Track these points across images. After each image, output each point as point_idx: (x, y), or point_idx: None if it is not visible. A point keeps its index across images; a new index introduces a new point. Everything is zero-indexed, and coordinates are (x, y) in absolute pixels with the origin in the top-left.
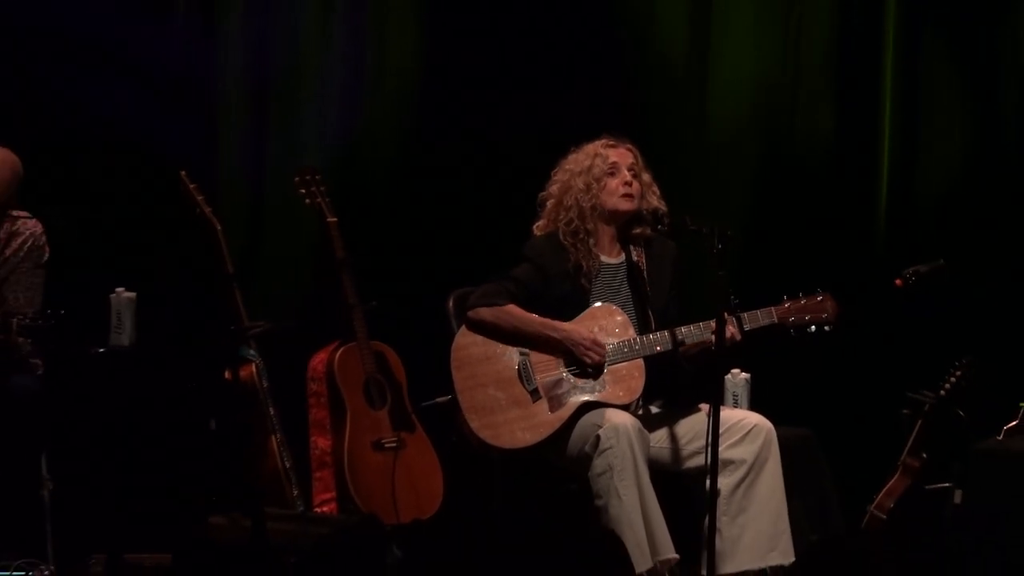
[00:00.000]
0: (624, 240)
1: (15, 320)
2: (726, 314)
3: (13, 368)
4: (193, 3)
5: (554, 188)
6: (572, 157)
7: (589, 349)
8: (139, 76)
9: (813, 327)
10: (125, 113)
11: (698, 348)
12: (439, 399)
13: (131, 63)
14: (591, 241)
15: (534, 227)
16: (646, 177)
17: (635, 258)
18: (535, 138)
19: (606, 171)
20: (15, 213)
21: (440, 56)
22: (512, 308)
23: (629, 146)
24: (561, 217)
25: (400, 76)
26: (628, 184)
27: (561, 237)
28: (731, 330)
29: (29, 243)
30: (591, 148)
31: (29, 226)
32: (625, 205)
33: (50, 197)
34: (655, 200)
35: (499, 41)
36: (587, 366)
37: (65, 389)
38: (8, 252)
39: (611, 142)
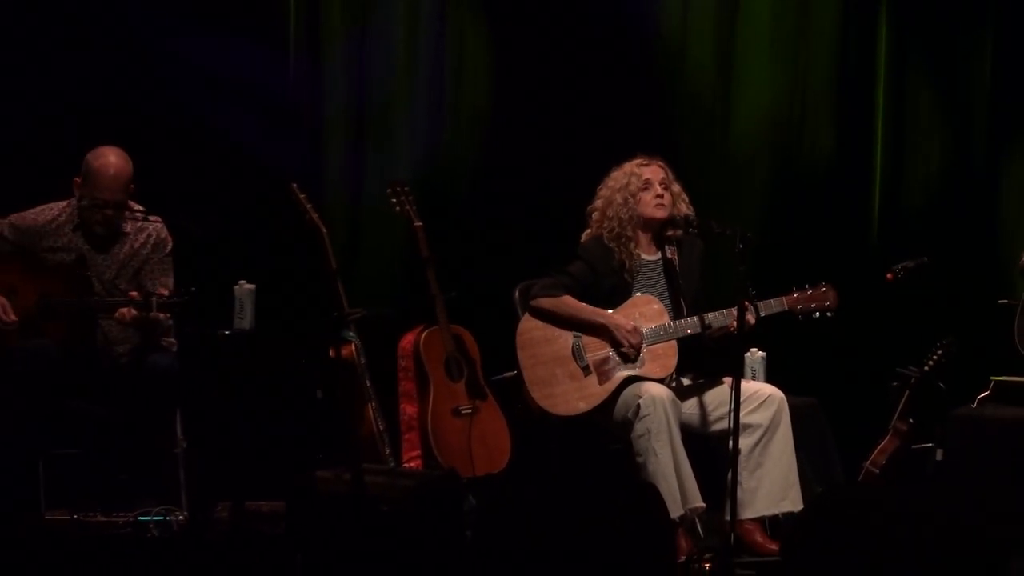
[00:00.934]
0: (659, 241)
1: (155, 298)
2: (745, 303)
3: (154, 348)
4: (302, 42)
5: (599, 202)
6: (613, 175)
7: (628, 334)
8: (258, 103)
9: (817, 313)
10: (246, 134)
11: (721, 332)
12: (507, 374)
13: (251, 92)
14: (632, 244)
15: (584, 234)
16: (676, 188)
17: (669, 256)
18: (586, 157)
19: (640, 187)
20: (136, 209)
21: (507, 89)
22: (567, 298)
23: (660, 163)
24: (605, 225)
25: (474, 106)
26: (660, 196)
27: (606, 241)
28: (748, 317)
29: (154, 237)
30: (627, 168)
31: (152, 222)
32: (659, 213)
33: (184, 203)
34: (685, 207)
35: (558, 77)
36: (625, 349)
37: (196, 365)
38: (137, 245)
39: (644, 161)
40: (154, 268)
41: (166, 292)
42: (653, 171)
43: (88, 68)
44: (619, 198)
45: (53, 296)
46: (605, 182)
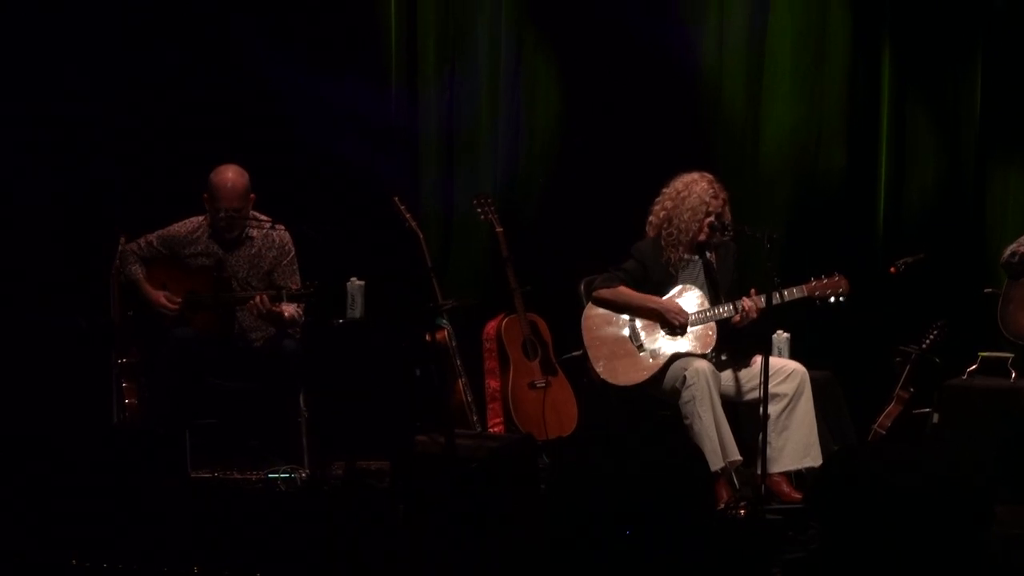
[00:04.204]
0: (700, 246)
1: (284, 291)
2: (753, 291)
3: (282, 335)
4: (402, 77)
5: (663, 213)
6: (684, 192)
7: (676, 315)
8: (365, 129)
9: (832, 298)
10: (356, 155)
11: (743, 323)
12: (574, 353)
13: (360, 120)
14: (680, 248)
15: (647, 227)
16: (724, 195)
17: (709, 256)
18: (638, 173)
19: (707, 213)
20: (261, 218)
21: (573, 117)
22: (623, 288)
23: (724, 195)
24: (666, 230)
25: (545, 131)
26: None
27: (663, 243)
28: (756, 304)
29: (279, 242)
30: (699, 191)
31: (279, 230)
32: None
33: (305, 213)
34: (728, 216)
35: (615, 106)
36: (675, 327)
37: (316, 348)
38: (264, 249)
39: (714, 192)
40: (283, 271)
41: (295, 288)
42: (719, 204)
43: (223, 102)
44: (687, 216)
45: (198, 292)
46: (673, 193)
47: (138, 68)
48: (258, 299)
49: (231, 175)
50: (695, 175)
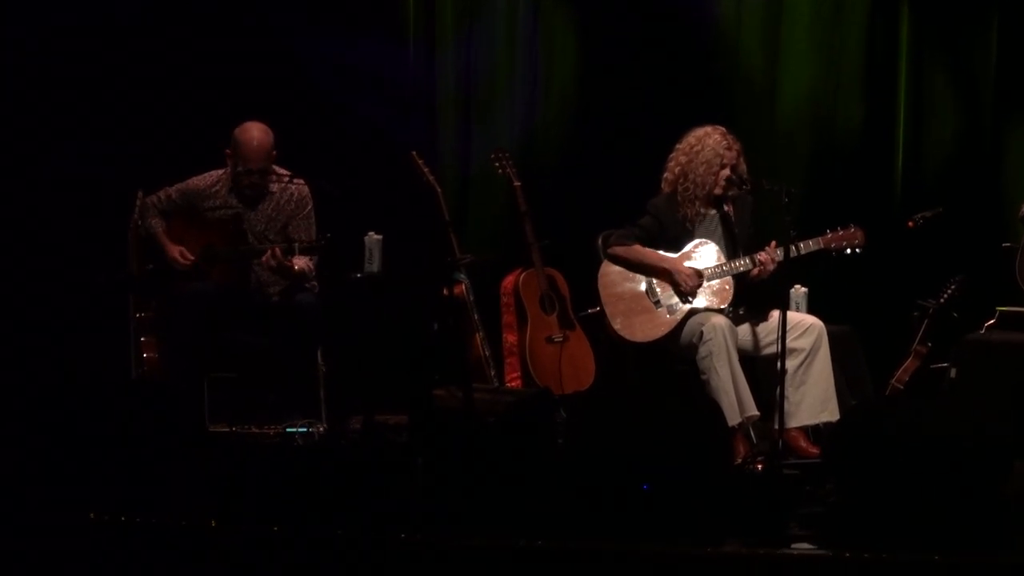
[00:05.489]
0: (718, 199)
1: (297, 244)
2: (773, 244)
3: (299, 289)
4: (420, 35)
5: (677, 168)
6: (697, 145)
7: (687, 278)
8: (384, 86)
9: (848, 250)
10: (374, 111)
11: (759, 277)
12: (591, 310)
13: (378, 77)
14: (697, 203)
15: (663, 183)
16: (738, 146)
17: (726, 209)
18: (655, 128)
19: (721, 165)
20: (280, 172)
21: (591, 72)
22: (637, 246)
23: (738, 146)
24: (682, 184)
25: (563, 83)
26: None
27: (678, 198)
28: (772, 256)
29: (296, 196)
30: (712, 143)
31: (296, 185)
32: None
33: (324, 168)
34: (743, 168)
35: (633, 62)
36: (681, 292)
37: (334, 302)
38: (283, 203)
39: (728, 144)
40: (299, 224)
41: (307, 241)
42: (733, 156)
43: (246, 61)
44: (702, 169)
45: (215, 245)
46: (687, 148)
47: (157, 21)
48: (269, 252)
49: (256, 133)
50: (707, 128)
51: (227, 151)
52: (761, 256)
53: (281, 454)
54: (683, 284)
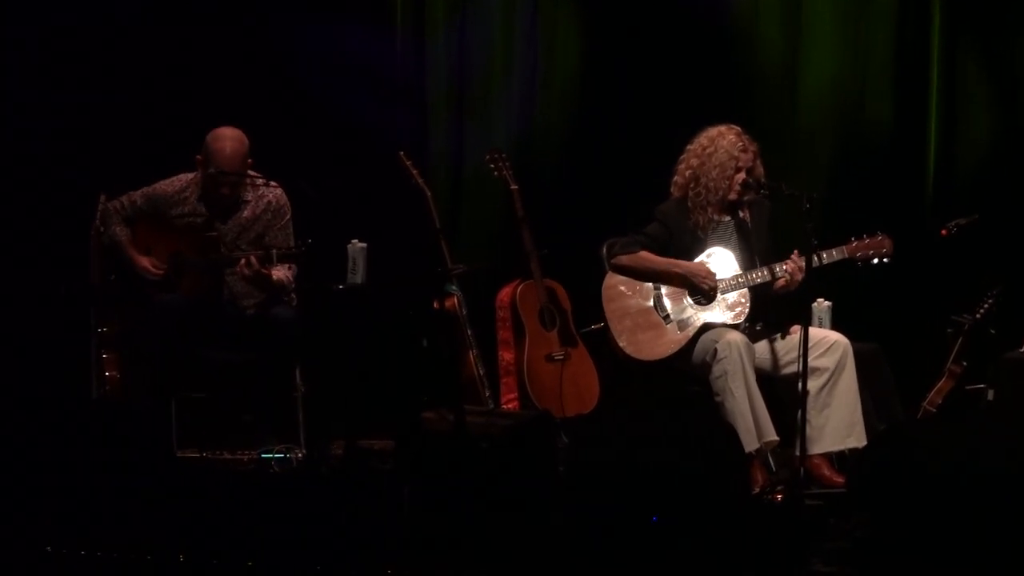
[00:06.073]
0: (732, 205)
1: (274, 251)
2: (796, 253)
3: (276, 301)
4: (408, 24)
5: (690, 169)
6: (710, 147)
7: (705, 278)
8: (368, 80)
9: (875, 259)
10: (358, 107)
11: (783, 289)
12: (594, 326)
13: (362, 70)
14: (710, 209)
15: (672, 188)
16: (754, 147)
17: (742, 216)
18: (665, 126)
19: (736, 168)
20: (256, 178)
21: (595, 62)
22: (645, 254)
23: (754, 147)
24: (694, 189)
25: (565, 78)
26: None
27: (689, 204)
28: (797, 265)
29: (274, 204)
30: (727, 144)
31: (271, 190)
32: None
33: (303, 169)
34: (761, 171)
35: (642, 50)
36: (704, 292)
37: (314, 316)
38: (259, 211)
39: (743, 145)
40: (276, 235)
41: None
42: (749, 158)
43: (218, 48)
44: (715, 172)
45: (184, 253)
46: (699, 150)
47: (124, 7)
48: (245, 260)
49: (230, 140)
50: (721, 128)
51: (198, 157)
52: (788, 266)
53: (256, 482)
54: (702, 284)
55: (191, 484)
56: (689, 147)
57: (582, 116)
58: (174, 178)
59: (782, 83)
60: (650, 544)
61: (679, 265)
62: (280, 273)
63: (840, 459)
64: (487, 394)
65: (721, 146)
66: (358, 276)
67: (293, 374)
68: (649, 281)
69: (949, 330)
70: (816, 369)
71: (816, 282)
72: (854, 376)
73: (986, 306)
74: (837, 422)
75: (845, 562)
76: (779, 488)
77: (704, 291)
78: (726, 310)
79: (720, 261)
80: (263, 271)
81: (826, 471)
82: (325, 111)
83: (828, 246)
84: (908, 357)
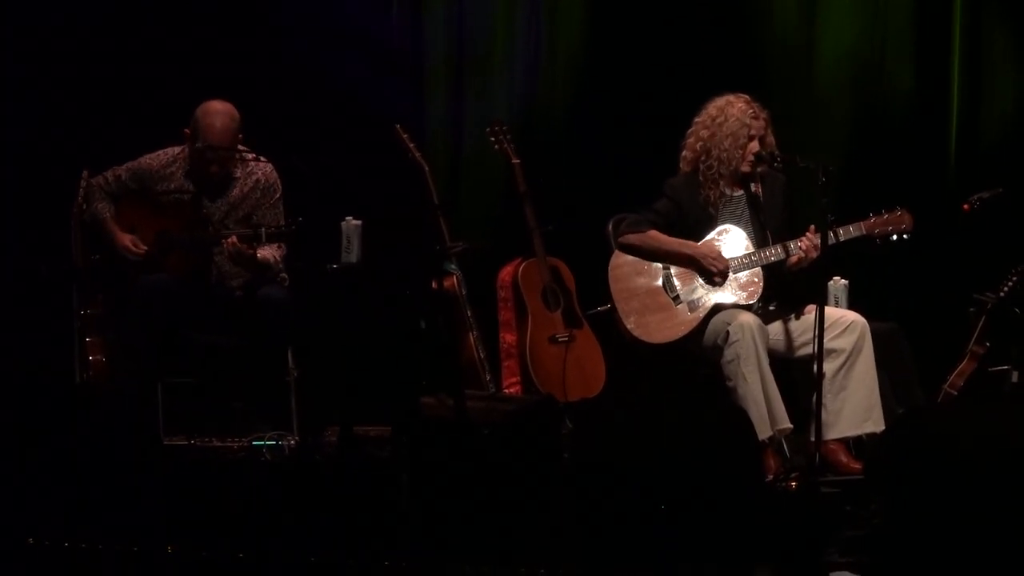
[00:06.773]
0: (745, 178)
1: (263, 230)
2: (812, 229)
3: (267, 281)
4: None
5: (700, 141)
6: (720, 117)
7: (715, 260)
8: (364, 50)
9: (894, 236)
10: (353, 79)
11: (797, 265)
12: (600, 308)
13: (357, 40)
14: (721, 183)
15: (681, 162)
16: (766, 114)
17: (754, 190)
18: (675, 97)
19: (749, 137)
20: (246, 155)
21: (600, 32)
22: (653, 232)
23: (766, 115)
24: (704, 162)
25: (568, 48)
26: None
27: (700, 178)
28: (812, 242)
29: (263, 181)
30: (737, 113)
31: (261, 166)
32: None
33: (294, 143)
34: (772, 140)
35: (649, 19)
36: (712, 275)
37: (306, 297)
38: (247, 189)
39: (755, 113)
40: (265, 213)
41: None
42: (761, 125)
43: (208, 18)
44: (727, 143)
45: (170, 231)
46: (708, 120)
47: None
48: (228, 242)
49: (220, 116)
50: (729, 97)
51: (186, 131)
52: (802, 243)
53: (247, 470)
54: (712, 267)
55: (179, 473)
56: (697, 119)
57: (587, 87)
58: (160, 152)
59: (797, 48)
60: (657, 533)
61: (689, 246)
62: (267, 252)
63: (857, 444)
64: (488, 378)
65: (731, 115)
66: (353, 255)
67: (285, 357)
68: (657, 261)
69: (971, 309)
70: (832, 351)
71: (833, 259)
72: (872, 358)
73: (1010, 284)
74: (854, 406)
75: (862, 551)
76: (793, 475)
77: (712, 275)
78: (738, 290)
79: (732, 240)
80: (246, 251)
81: (843, 457)
82: (318, 84)
83: (845, 222)
84: (928, 337)
